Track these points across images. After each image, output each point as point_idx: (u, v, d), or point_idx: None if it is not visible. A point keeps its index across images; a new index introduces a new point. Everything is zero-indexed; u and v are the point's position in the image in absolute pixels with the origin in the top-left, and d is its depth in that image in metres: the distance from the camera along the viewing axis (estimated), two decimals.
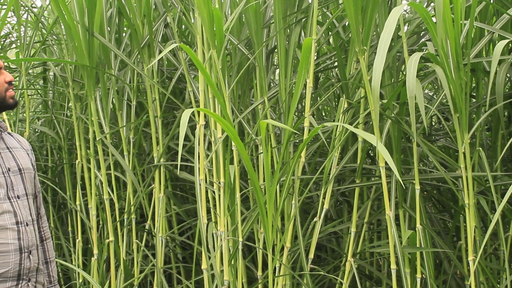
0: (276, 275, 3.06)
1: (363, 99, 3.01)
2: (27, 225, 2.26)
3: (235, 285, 3.09)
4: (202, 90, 3.17)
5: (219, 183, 3.10)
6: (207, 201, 3.60)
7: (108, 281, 3.76)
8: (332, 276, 3.22)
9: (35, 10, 4.48)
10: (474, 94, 3.47)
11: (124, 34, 4.02)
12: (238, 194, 3.06)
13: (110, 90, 3.70)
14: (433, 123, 4.32)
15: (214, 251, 3.14)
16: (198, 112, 3.48)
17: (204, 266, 3.07)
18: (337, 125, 3.03)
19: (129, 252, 3.96)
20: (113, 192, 3.75)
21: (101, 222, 3.88)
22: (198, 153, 3.13)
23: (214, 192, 3.43)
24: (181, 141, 2.22)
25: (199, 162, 3.13)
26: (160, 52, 3.68)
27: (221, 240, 3.10)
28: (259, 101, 3.23)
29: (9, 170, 2.26)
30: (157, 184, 3.70)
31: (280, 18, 3.08)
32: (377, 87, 2.24)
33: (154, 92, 3.65)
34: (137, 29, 3.57)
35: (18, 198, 2.25)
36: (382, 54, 2.22)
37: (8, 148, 2.31)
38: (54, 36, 4.33)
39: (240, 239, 3.03)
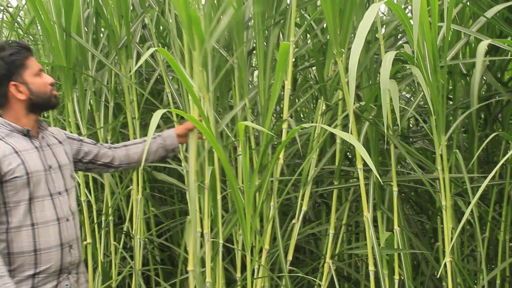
0: (254, 277, 3.06)
1: (341, 101, 3.01)
2: (67, 220, 2.42)
3: (214, 287, 3.08)
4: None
5: (204, 184, 3.07)
6: (186, 202, 3.58)
7: None
8: (310, 277, 3.22)
9: (10, 10, 4.45)
10: (451, 96, 3.50)
11: (101, 35, 4.00)
12: (219, 196, 3.05)
13: (87, 91, 3.67)
14: (411, 125, 4.35)
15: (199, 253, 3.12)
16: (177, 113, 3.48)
17: (190, 267, 3.05)
18: (315, 128, 3.04)
19: (107, 254, 3.94)
20: (90, 194, 3.73)
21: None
22: (189, 155, 3.11)
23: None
24: (148, 140, 2.23)
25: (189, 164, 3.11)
26: (138, 53, 3.66)
27: (202, 241, 3.08)
28: (241, 104, 3.20)
29: (51, 168, 2.40)
30: (135, 186, 3.68)
31: (259, 20, 3.07)
32: (353, 70, 2.21)
33: (132, 93, 3.63)
34: (115, 30, 3.55)
35: (59, 194, 2.41)
36: (359, 43, 2.21)
37: (48, 145, 2.45)
38: (30, 36, 4.30)
39: (221, 241, 3.02)
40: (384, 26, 3.38)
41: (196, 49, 2.92)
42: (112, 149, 2.80)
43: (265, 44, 3.23)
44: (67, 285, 2.43)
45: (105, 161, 2.77)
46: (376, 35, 3.05)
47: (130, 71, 3.60)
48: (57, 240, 2.38)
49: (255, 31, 3.07)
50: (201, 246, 3.05)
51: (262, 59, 3.07)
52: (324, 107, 3.09)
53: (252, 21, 3.24)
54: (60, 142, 2.55)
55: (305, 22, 3.49)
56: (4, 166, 2.28)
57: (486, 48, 3.21)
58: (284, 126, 3.01)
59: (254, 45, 3.28)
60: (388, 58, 2.39)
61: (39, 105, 2.42)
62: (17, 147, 2.34)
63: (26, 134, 2.40)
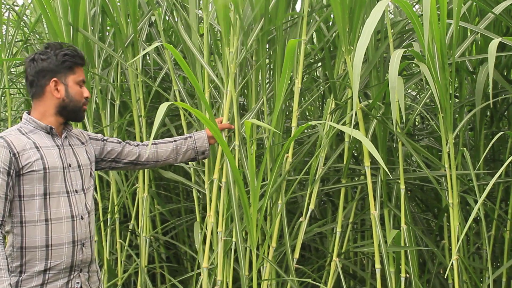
0: (262, 275, 3.06)
1: (350, 100, 3.01)
2: (81, 218, 2.46)
3: (222, 284, 3.08)
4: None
5: (220, 182, 3.07)
6: (191, 200, 3.58)
7: None
8: (316, 277, 3.22)
9: (16, 8, 4.44)
10: (457, 94, 3.50)
11: (107, 33, 3.99)
12: (236, 194, 3.03)
13: (93, 89, 3.68)
14: (417, 123, 4.35)
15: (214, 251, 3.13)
16: (185, 111, 3.48)
17: (205, 264, 3.06)
18: (324, 126, 3.04)
19: (112, 252, 3.94)
20: (96, 192, 3.73)
21: None
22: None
23: (199, 192, 3.42)
24: (153, 131, 2.24)
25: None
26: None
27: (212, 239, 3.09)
28: (260, 101, 3.19)
29: (70, 166, 2.46)
30: (141, 184, 3.69)
31: (281, 21, 3.07)
32: (358, 65, 2.21)
33: (138, 91, 3.63)
34: (121, 28, 3.55)
35: (76, 193, 2.46)
36: (365, 38, 2.21)
37: (70, 145, 2.52)
38: (36, 35, 4.29)
39: (234, 239, 3.02)
40: (393, 26, 3.37)
41: (231, 47, 2.92)
42: (140, 146, 2.86)
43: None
44: (78, 282, 2.46)
45: (130, 159, 2.82)
46: (385, 35, 3.05)
47: (136, 69, 3.60)
48: (69, 237, 2.41)
49: (276, 32, 3.07)
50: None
51: (279, 59, 3.07)
52: (333, 106, 3.09)
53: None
54: (82, 143, 2.62)
55: (311, 21, 3.48)
56: (23, 160, 2.34)
57: None
58: (294, 124, 3.01)
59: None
60: (396, 56, 2.39)
61: (69, 110, 2.49)
62: (38, 142, 2.41)
63: (49, 131, 2.46)
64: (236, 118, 2.99)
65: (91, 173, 2.59)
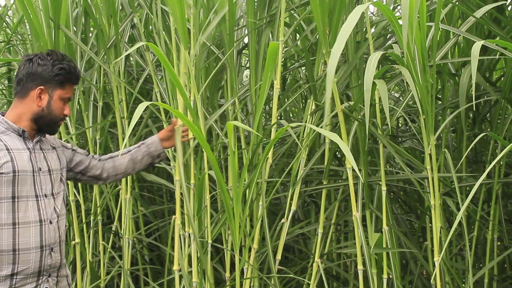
0: (244, 277, 3.05)
1: (329, 101, 3.01)
2: (50, 223, 2.42)
3: (202, 286, 3.07)
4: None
5: (190, 184, 3.07)
6: (174, 202, 3.56)
7: (74, 283, 3.72)
8: (299, 277, 3.22)
9: None
10: (440, 96, 3.51)
11: (90, 34, 3.98)
12: (208, 196, 3.04)
13: (76, 91, 3.66)
14: (400, 125, 4.36)
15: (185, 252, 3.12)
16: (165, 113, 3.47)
17: (176, 267, 3.05)
18: (305, 127, 3.04)
19: (95, 253, 3.92)
20: (79, 194, 3.71)
21: (67, 224, 3.83)
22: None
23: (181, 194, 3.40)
24: (129, 130, 2.22)
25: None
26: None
27: (189, 241, 3.08)
28: (230, 101, 3.20)
29: (40, 170, 2.43)
30: (123, 186, 3.67)
31: (251, 19, 3.07)
32: (331, 73, 2.21)
33: (120, 92, 3.62)
34: (104, 29, 3.54)
35: (45, 197, 2.42)
36: (339, 46, 2.20)
37: (41, 149, 2.49)
38: (19, 36, 4.27)
39: (209, 241, 3.01)
40: (374, 26, 3.38)
41: (187, 47, 2.91)
42: (102, 161, 2.84)
43: (256, 44, 3.23)
44: (46, 287, 2.43)
45: (94, 173, 2.80)
46: (366, 36, 3.05)
47: (118, 70, 3.59)
48: (37, 242, 2.37)
49: (248, 31, 3.07)
50: (189, 245, 3.05)
51: (253, 58, 3.07)
52: (313, 107, 3.09)
53: (243, 20, 3.23)
54: (54, 148, 2.59)
55: (295, 22, 3.48)
56: None
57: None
58: (273, 125, 3.01)
59: (243, 44, 3.28)
60: (373, 60, 2.38)
61: (44, 121, 2.47)
62: (9, 144, 2.37)
63: (21, 134, 2.43)
64: (202, 120, 2.99)
65: (61, 178, 2.56)
